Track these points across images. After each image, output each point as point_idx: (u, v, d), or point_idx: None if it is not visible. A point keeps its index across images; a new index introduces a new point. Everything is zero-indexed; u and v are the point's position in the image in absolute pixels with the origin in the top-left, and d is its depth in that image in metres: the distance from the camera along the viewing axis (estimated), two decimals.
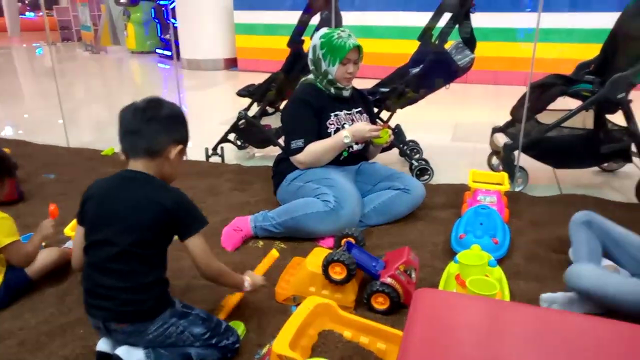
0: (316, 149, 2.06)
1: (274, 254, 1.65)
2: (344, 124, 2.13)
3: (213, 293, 1.65)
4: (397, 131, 3.04)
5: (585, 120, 2.49)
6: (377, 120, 2.86)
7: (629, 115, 2.32)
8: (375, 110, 2.73)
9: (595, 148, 2.39)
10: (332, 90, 2.13)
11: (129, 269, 1.18)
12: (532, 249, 1.91)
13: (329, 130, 2.10)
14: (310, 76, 2.19)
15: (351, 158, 2.18)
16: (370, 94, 2.78)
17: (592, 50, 2.58)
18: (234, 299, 1.59)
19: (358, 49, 2.06)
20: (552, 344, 0.92)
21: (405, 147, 3.04)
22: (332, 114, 2.12)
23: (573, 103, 2.38)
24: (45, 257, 1.70)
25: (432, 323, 0.97)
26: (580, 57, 2.69)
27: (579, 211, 1.70)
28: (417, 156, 2.93)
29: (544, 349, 0.90)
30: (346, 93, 2.16)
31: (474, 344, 0.91)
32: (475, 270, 1.45)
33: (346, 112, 2.17)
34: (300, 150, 2.07)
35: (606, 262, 1.60)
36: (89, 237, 1.23)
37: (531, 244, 1.96)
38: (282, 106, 3.17)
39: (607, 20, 2.53)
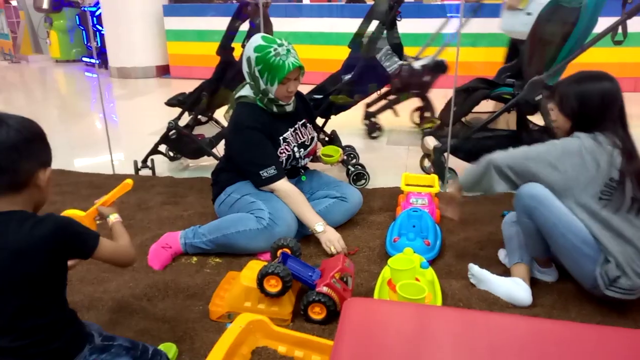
0: (296, 204, 1.96)
1: (128, 182, 1.48)
2: (294, 146, 2.08)
3: (140, 314, 1.57)
4: (333, 137, 3.06)
5: (509, 122, 2.61)
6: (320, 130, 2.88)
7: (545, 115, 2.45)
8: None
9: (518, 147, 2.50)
10: (275, 108, 2.02)
11: (28, 326, 1.04)
12: (462, 248, 1.98)
13: (280, 159, 2.03)
14: (246, 91, 2.05)
15: (295, 170, 2.16)
16: None
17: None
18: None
19: (299, 67, 1.93)
20: (478, 345, 0.94)
21: (343, 153, 3.07)
22: (281, 139, 2.04)
23: (497, 106, 2.49)
24: None
25: (360, 333, 0.97)
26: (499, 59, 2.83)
27: (505, 210, 1.78)
28: (353, 161, 2.96)
29: (469, 350, 0.92)
30: (289, 108, 2.06)
31: (402, 351, 0.92)
32: (405, 274, 1.47)
33: (291, 130, 2.09)
34: (274, 177, 1.96)
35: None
36: None
37: (461, 243, 2.02)
38: (215, 114, 3.12)
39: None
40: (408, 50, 2.87)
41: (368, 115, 3.73)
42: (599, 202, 1.49)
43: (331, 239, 1.93)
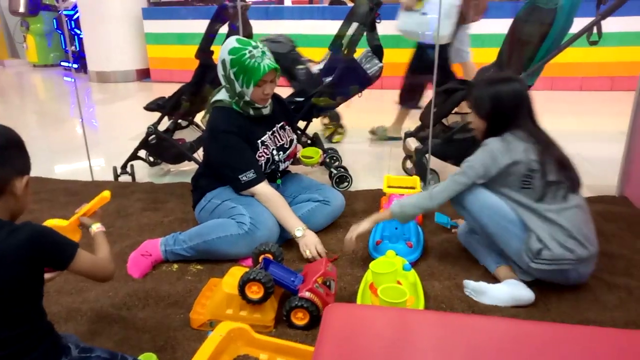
0: (276, 208, 1.96)
1: (105, 195, 1.45)
2: (273, 149, 2.06)
3: (119, 324, 1.54)
4: (315, 140, 3.05)
5: None
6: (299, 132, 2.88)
7: None
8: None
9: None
10: (251, 111, 2.00)
11: (2, 337, 1.01)
12: (444, 249, 1.98)
13: (259, 163, 2.01)
14: (222, 95, 2.02)
15: (274, 174, 2.14)
16: None
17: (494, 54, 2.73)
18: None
19: (274, 69, 1.92)
20: (458, 348, 0.94)
21: (325, 155, 3.06)
22: (259, 142, 2.02)
23: None
24: None
25: (341, 339, 0.96)
26: (484, 60, 2.84)
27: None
28: (336, 164, 2.95)
29: (450, 354, 0.92)
30: (266, 111, 2.04)
31: (383, 356, 0.91)
32: (387, 277, 1.47)
33: (269, 133, 2.07)
34: (253, 181, 1.94)
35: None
36: None
37: (444, 244, 2.03)
38: (196, 119, 3.09)
39: (505, 25, 2.69)
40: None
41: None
42: (520, 191, 1.61)
43: (308, 243, 1.91)
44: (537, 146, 1.60)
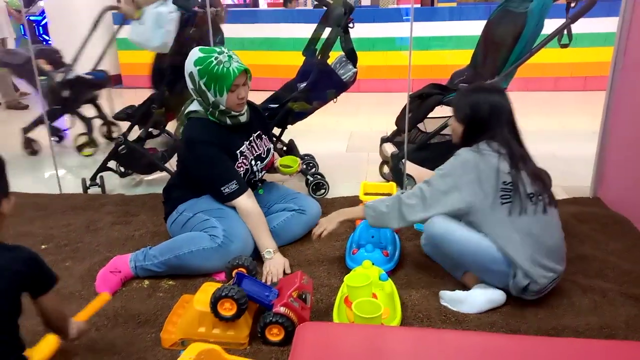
0: (254, 226, 1.92)
1: (105, 297, 1.50)
2: (251, 159, 2.01)
3: (87, 346, 1.48)
4: (291, 146, 3.01)
5: None
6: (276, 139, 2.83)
7: None
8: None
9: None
10: (228, 120, 1.94)
11: None
12: (421, 256, 1.95)
13: (239, 173, 1.96)
14: (195, 106, 1.96)
15: (252, 184, 2.09)
16: None
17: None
18: (45, 350, 1.32)
19: (245, 71, 1.88)
20: None
21: (301, 162, 3.02)
22: (238, 153, 1.96)
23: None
24: None
25: (313, 359, 0.93)
26: (460, 62, 2.85)
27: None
28: (312, 171, 2.92)
29: None
30: (244, 118, 1.98)
31: None
32: (362, 291, 1.44)
33: (247, 143, 2.02)
34: (236, 192, 1.89)
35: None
36: None
37: (420, 250, 2.00)
38: (167, 127, 3.02)
39: (479, 28, 2.70)
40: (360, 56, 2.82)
41: (26, 130, 3.54)
42: (502, 207, 1.58)
43: (272, 266, 1.87)
44: (510, 158, 1.58)
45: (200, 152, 1.90)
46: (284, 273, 1.88)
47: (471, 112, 1.67)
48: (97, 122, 3.75)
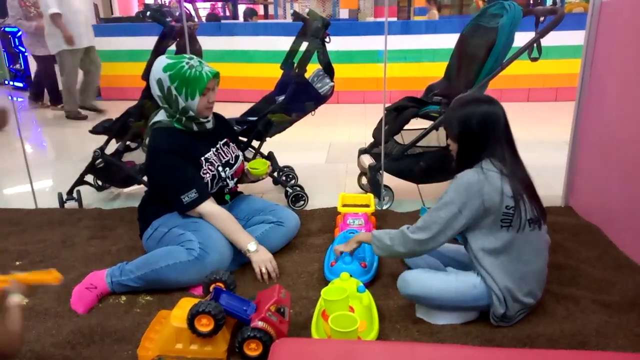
0: (224, 225, 1.92)
1: (55, 276, 1.40)
2: (218, 166, 2.02)
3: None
4: (271, 158, 3.02)
5: (440, 138, 2.68)
6: (250, 149, 2.83)
7: None
8: (245, 139, 2.69)
9: (449, 163, 2.57)
10: (195, 127, 1.97)
11: None
12: (399, 266, 1.98)
13: (205, 180, 1.96)
14: (160, 116, 1.98)
15: (223, 190, 2.09)
16: (238, 124, 2.73)
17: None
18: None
19: (215, 76, 1.92)
20: None
21: (281, 173, 3.04)
22: (203, 159, 1.97)
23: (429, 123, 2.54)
24: None
25: None
26: (436, 74, 2.90)
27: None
28: (291, 182, 2.93)
29: None
30: (209, 125, 2.03)
31: None
32: (339, 305, 1.45)
33: (213, 150, 2.03)
34: (196, 201, 1.89)
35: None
36: None
37: (399, 261, 2.03)
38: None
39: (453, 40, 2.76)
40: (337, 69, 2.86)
41: None
42: (500, 230, 1.53)
43: (260, 261, 1.91)
44: (511, 180, 1.50)
45: (162, 162, 1.92)
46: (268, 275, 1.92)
47: (461, 127, 1.56)
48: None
